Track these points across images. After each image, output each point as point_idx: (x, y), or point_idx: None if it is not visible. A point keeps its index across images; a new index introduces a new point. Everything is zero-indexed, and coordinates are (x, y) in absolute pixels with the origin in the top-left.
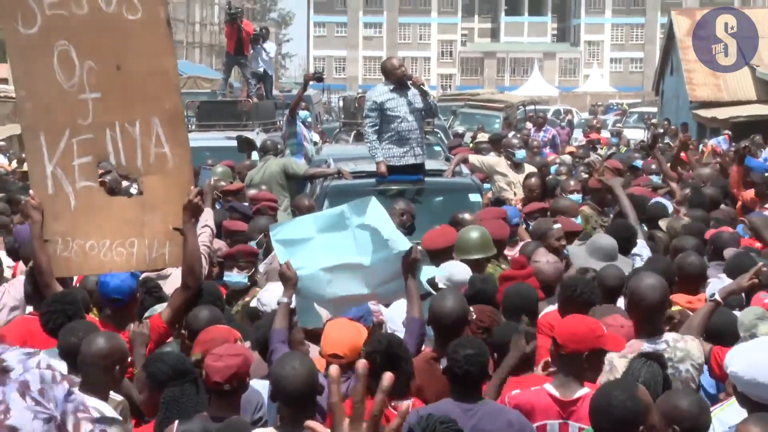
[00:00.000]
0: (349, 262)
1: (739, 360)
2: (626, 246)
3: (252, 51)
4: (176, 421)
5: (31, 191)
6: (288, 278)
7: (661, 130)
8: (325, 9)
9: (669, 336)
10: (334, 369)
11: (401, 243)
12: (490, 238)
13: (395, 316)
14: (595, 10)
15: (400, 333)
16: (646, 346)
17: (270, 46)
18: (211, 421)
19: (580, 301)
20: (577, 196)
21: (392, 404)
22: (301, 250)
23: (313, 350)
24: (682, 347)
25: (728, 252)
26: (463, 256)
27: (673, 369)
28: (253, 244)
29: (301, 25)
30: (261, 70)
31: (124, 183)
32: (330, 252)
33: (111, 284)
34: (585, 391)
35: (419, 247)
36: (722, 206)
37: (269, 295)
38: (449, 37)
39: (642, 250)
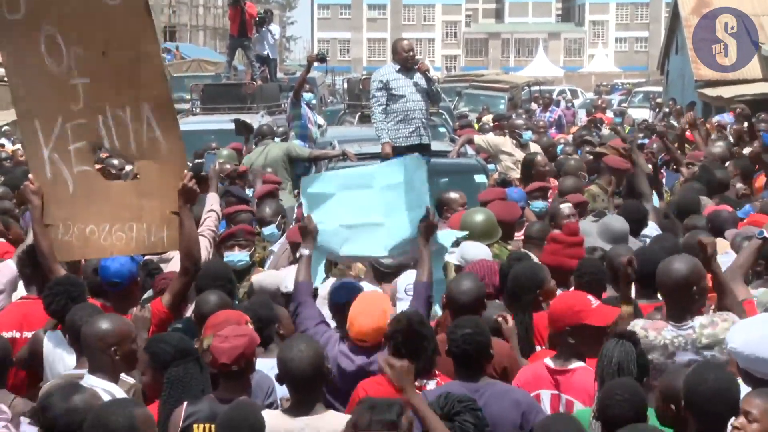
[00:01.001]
0: (369, 222)
1: (739, 336)
2: (637, 228)
3: (257, 34)
4: (185, 403)
5: (30, 176)
6: (308, 231)
7: (667, 110)
8: None
9: (699, 320)
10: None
11: (425, 198)
12: (496, 222)
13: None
14: None
15: (405, 302)
16: (669, 328)
17: (275, 28)
18: (219, 403)
19: (586, 282)
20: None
21: (417, 384)
22: (324, 204)
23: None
24: (710, 333)
25: (729, 234)
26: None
27: (696, 354)
28: (272, 228)
29: (305, 8)
30: (266, 53)
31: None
32: (352, 209)
33: (111, 268)
34: (578, 364)
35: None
36: (738, 185)
37: (266, 278)
38: (453, 17)
39: (653, 231)
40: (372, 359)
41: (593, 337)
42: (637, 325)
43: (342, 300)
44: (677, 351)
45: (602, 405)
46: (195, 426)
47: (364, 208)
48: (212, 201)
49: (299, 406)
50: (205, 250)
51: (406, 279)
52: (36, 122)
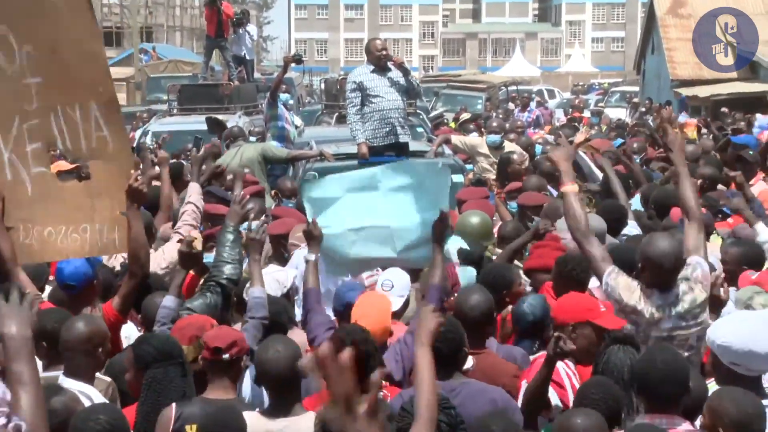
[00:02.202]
0: (376, 225)
1: (729, 331)
2: (617, 227)
3: (234, 35)
4: (173, 404)
5: None
6: (314, 236)
7: (644, 109)
8: None
9: (680, 287)
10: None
11: (443, 203)
12: (491, 224)
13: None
14: None
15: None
16: (656, 297)
17: (252, 29)
18: (211, 404)
19: (571, 277)
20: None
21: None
22: (329, 208)
23: None
24: (690, 299)
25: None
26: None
27: (678, 320)
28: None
29: (282, 8)
30: (243, 53)
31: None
32: (358, 212)
33: (66, 270)
34: (541, 353)
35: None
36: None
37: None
38: (431, 18)
39: (632, 230)
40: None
41: (590, 339)
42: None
43: (342, 305)
44: (661, 320)
45: (578, 404)
46: (188, 427)
47: (370, 211)
48: (191, 191)
49: (279, 407)
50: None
51: (387, 274)
52: None
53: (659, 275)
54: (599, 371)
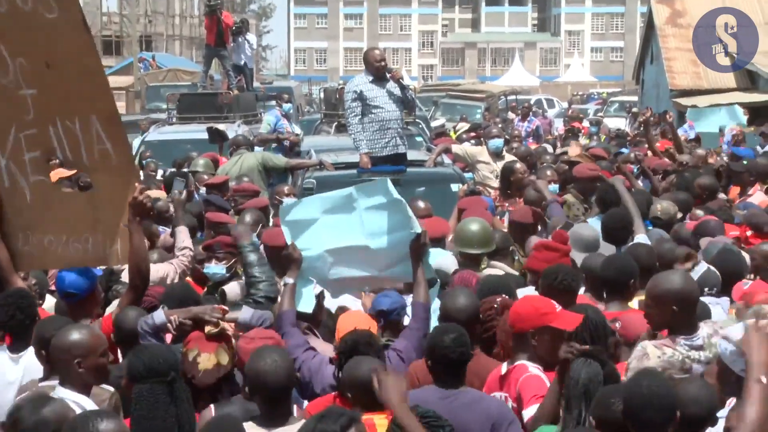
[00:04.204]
0: (354, 245)
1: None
2: (622, 235)
3: (233, 43)
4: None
5: None
6: (293, 259)
7: (642, 118)
8: (305, 0)
9: (705, 331)
10: None
11: (414, 225)
12: (491, 232)
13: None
14: None
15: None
16: (682, 342)
17: (252, 38)
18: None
19: (561, 288)
20: (554, 186)
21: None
22: (307, 230)
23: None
24: (715, 342)
25: (706, 241)
26: (465, 249)
27: (707, 366)
28: (253, 236)
29: (282, 17)
30: (242, 62)
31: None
32: (335, 233)
33: (67, 279)
34: (516, 363)
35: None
36: (720, 196)
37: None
38: (430, 27)
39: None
40: None
41: (554, 342)
42: (648, 346)
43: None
44: (693, 365)
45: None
46: None
47: (347, 231)
48: (183, 237)
49: (275, 418)
50: (169, 278)
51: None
52: None
53: (684, 319)
54: (568, 384)
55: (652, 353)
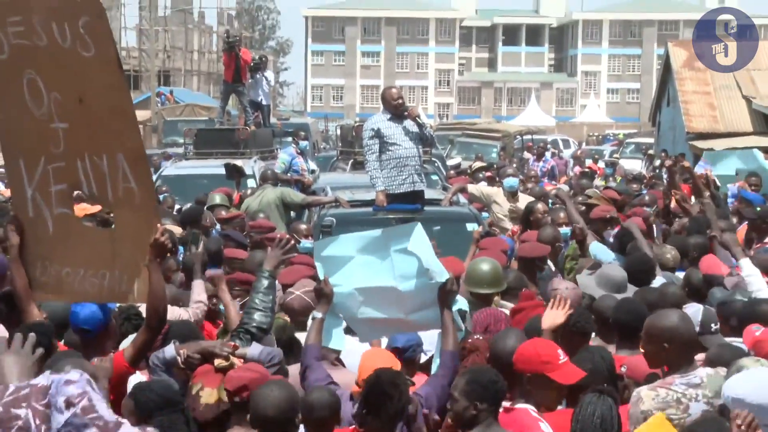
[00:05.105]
0: (385, 285)
1: (744, 385)
2: (644, 278)
3: (251, 80)
4: None
5: (11, 212)
6: (324, 294)
7: (658, 161)
8: (323, 38)
9: (704, 371)
10: None
11: (440, 273)
12: (501, 272)
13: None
14: (592, 41)
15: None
16: (677, 382)
17: (270, 75)
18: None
19: (575, 330)
20: (565, 230)
21: None
22: (341, 267)
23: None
24: (715, 382)
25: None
26: (475, 289)
27: (707, 404)
28: None
29: (299, 54)
30: (260, 99)
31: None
32: (367, 272)
33: (81, 315)
34: (521, 405)
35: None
36: None
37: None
38: (447, 66)
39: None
40: None
41: (550, 391)
42: (642, 390)
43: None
44: (690, 402)
45: None
46: None
47: (378, 272)
48: (199, 290)
49: None
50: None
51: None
52: (21, 160)
53: (678, 357)
54: (578, 419)
55: (646, 396)
